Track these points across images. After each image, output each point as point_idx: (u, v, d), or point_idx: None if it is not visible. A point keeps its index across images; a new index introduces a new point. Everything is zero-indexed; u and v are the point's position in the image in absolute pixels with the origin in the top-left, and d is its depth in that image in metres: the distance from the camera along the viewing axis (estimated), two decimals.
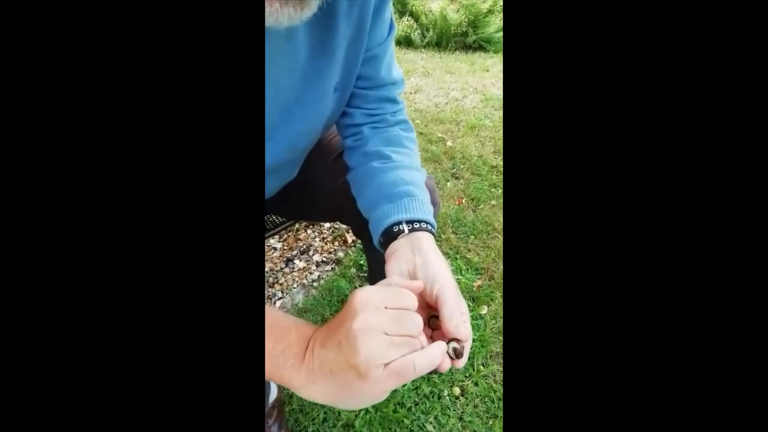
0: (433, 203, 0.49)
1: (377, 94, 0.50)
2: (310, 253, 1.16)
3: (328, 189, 0.55)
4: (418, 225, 0.41)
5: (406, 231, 0.40)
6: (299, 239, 1.20)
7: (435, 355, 0.30)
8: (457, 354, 0.33)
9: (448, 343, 0.33)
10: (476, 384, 0.85)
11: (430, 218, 0.42)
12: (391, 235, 0.41)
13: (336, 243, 1.19)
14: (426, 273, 0.36)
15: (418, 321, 0.30)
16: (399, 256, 0.39)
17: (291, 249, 1.17)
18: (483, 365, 0.89)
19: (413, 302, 0.31)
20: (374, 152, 0.47)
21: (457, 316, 0.33)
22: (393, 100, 0.52)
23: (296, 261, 1.13)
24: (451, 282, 0.36)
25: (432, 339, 0.36)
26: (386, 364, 0.28)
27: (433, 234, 0.42)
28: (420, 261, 0.37)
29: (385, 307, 0.30)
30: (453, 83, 2.38)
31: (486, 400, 0.83)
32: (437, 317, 0.35)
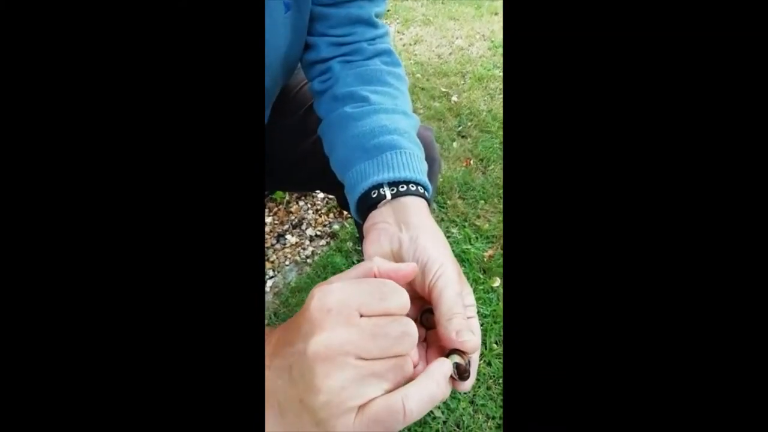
0: (431, 160, 0.39)
1: (347, 14, 0.39)
2: (303, 227, 1.09)
3: (299, 151, 0.46)
4: (405, 187, 0.31)
5: (389, 196, 0.31)
6: (291, 212, 1.13)
7: (437, 389, 0.21)
8: (461, 372, 0.24)
9: (447, 356, 0.24)
10: (489, 364, 0.79)
11: (422, 178, 0.32)
12: (369, 202, 0.31)
13: (331, 215, 1.12)
14: (416, 254, 0.27)
15: (412, 332, 0.21)
16: (379, 231, 0.30)
17: (282, 223, 1.10)
18: (496, 343, 0.83)
19: (403, 301, 0.22)
20: (346, 94, 0.37)
21: (459, 317, 0.25)
22: (369, 23, 0.40)
23: (288, 236, 1.06)
24: (452, 265, 0.27)
25: (426, 343, 0.27)
26: (361, 407, 0.20)
27: (427, 200, 0.32)
28: (407, 237, 0.28)
29: (360, 314, 0.21)
30: (457, 30, 2.21)
31: (500, 381, 0.78)
32: (433, 313, 0.26)
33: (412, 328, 0.22)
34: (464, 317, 0.25)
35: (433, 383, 0.22)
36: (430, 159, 0.42)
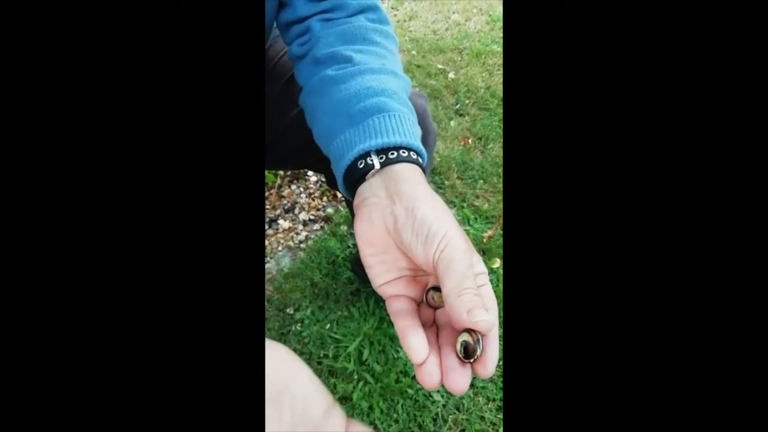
0: (425, 131, 0.37)
1: None
2: (296, 211, 1.07)
3: (281, 125, 0.44)
4: (396, 154, 0.28)
5: (377, 165, 0.28)
6: (282, 197, 1.11)
7: None
8: (468, 352, 0.22)
9: (458, 337, 0.22)
10: None
11: (415, 142, 0.29)
12: (356, 175, 0.28)
13: (324, 198, 1.10)
14: (415, 227, 0.25)
15: None
16: (370, 207, 0.27)
17: (274, 208, 1.08)
18: None
19: None
20: (328, 55, 0.34)
21: (470, 293, 0.22)
22: None
23: (280, 221, 1.05)
24: (457, 234, 0.24)
25: (435, 324, 0.25)
26: None
27: (421, 167, 0.29)
28: (402, 210, 0.25)
29: None
30: (454, 5, 2.15)
31: (501, 364, 0.77)
32: (440, 290, 0.24)
33: None
34: (475, 293, 0.22)
35: None
36: (424, 129, 0.39)
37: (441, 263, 0.23)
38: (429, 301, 0.26)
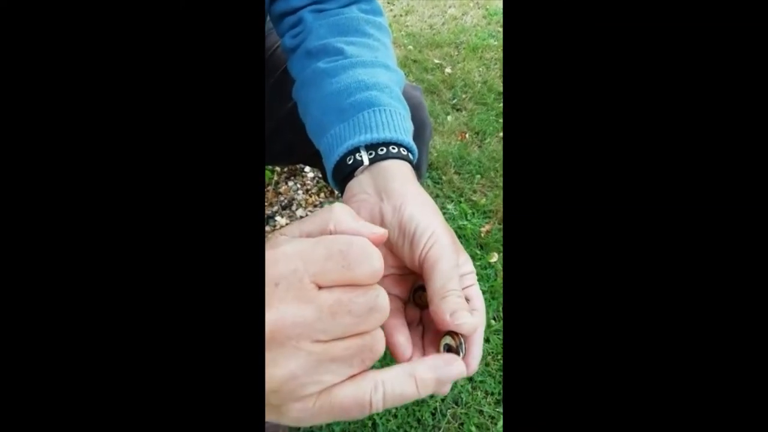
0: (420, 123, 0.36)
1: None
2: (293, 207, 1.07)
3: (276, 119, 0.44)
4: (385, 150, 0.28)
5: (366, 161, 0.27)
6: (280, 193, 1.10)
7: (413, 391, 0.19)
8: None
9: (441, 338, 0.22)
10: (487, 340, 0.79)
11: (405, 138, 0.29)
12: (345, 170, 0.28)
13: (321, 194, 1.10)
14: (402, 225, 0.24)
15: (382, 306, 0.18)
16: (359, 204, 0.27)
17: (271, 205, 1.08)
18: (494, 319, 0.82)
19: (375, 268, 0.18)
20: (320, 47, 0.33)
21: (454, 295, 0.22)
22: None
23: (277, 218, 1.05)
24: (444, 233, 0.24)
25: (422, 324, 0.25)
26: (320, 392, 0.18)
27: (411, 163, 0.29)
28: (390, 208, 0.25)
29: (318, 286, 0.17)
30: None
31: (498, 357, 0.77)
32: (425, 290, 0.23)
33: (383, 301, 0.18)
34: (460, 295, 0.22)
35: (412, 384, 0.19)
36: (420, 122, 0.38)
37: (427, 263, 0.23)
38: (415, 301, 0.26)
